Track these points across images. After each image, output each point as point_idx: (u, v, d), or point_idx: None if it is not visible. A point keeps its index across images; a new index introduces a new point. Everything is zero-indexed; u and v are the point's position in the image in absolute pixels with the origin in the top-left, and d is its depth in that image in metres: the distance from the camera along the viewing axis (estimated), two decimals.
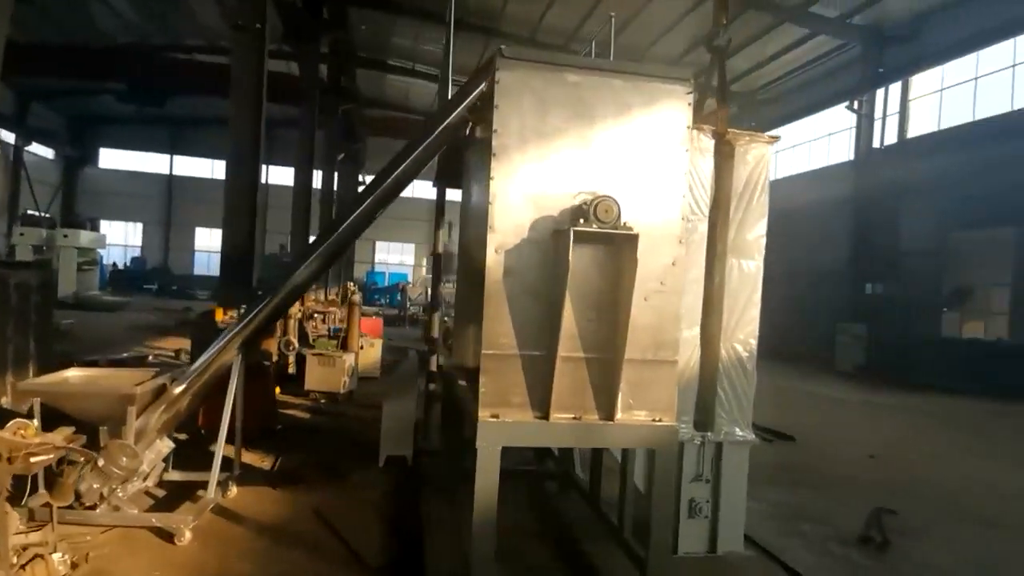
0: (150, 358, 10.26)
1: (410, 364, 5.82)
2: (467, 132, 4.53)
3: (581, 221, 3.03)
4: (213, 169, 35.58)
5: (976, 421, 10.75)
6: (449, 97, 6.20)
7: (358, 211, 4.46)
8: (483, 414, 3.14)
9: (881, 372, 14.91)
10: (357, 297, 9.81)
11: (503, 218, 3.18)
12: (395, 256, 38.77)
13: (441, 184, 6.47)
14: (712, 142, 4.05)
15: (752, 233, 4.16)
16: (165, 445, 4.38)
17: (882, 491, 5.94)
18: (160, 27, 21.85)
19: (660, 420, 3.28)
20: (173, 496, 4.57)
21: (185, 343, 12.05)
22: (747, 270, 4.16)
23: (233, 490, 4.69)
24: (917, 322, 15.98)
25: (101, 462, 3.68)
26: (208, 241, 35.46)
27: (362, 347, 9.79)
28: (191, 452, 5.16)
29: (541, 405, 3.20)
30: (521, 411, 3.20)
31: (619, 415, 3.22)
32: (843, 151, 20.01)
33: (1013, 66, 15.26)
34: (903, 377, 14.17)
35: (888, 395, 12.65)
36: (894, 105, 18.21)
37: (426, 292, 22.81)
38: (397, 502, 4.86)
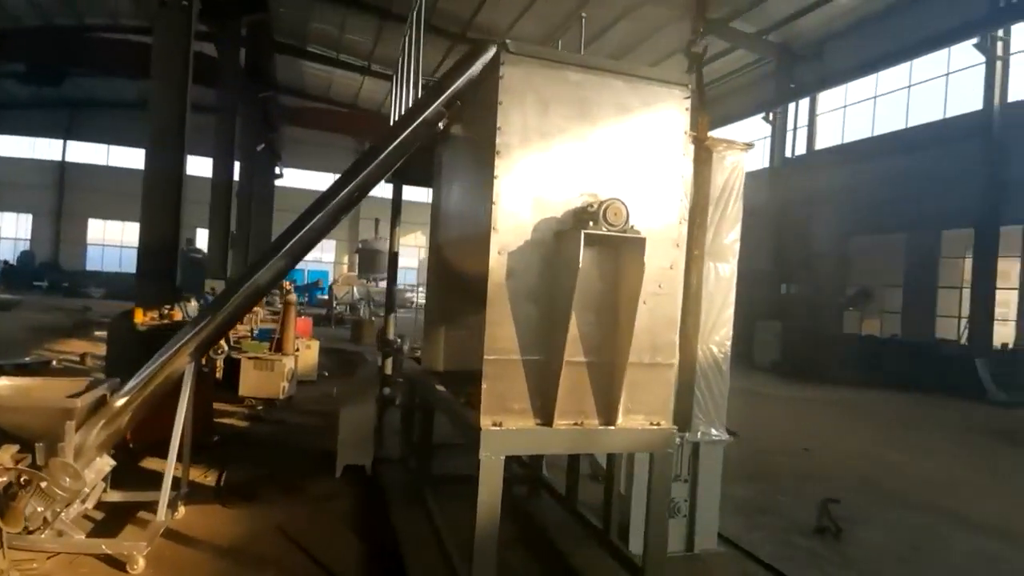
0: (54, 363, 9.30)
1: (369, 368, 5.55)
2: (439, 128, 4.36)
3: (591, 224, 2.96)
4: (109, 155, 32.88)
5: (881, 412, 11.69)
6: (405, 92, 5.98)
7: (325, 209, 4.19)
8: (485, 422, 3.01)
9: (794, 367, 15.92)
10: (293, 296, 9.31)
11: (506, 219, 3.06)
12: (312, 252, 37.30)
13: (398, 181, 6.24)
14: (692, 147, 4.12)
15: (728, 237, 4.27)
16: (105, 463, 3.94)
17: (822, 481, 6.31)
18: (67, 6, 20.04)
19: (658, 423, 3.29)
20: (113, 518, 4.12)
21: (89, 346, 11.06)
22: (723, 274, 4.26)
23: (181, 510, 4.29)
24: (824, 320, 17.21)
25: (44, 483, 3.25)
26: (101, 234, 32.73)
27: (297, 349, 9.30)
28: (120, 468, 4.66)
29: (543, 411, 3.11)
30: (523, 418, 3.10)
31: (620, 419, 3.19)
32: (760, 159, 21.21)
33: (908, 87, 16.73)
34: (813, 371, 15.18)
35: (802, 389, 13.53)
36: (804, 118, 19.51)
37: (352, 291, 22.13)
38: (364, 515, 4.62)
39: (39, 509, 3.30)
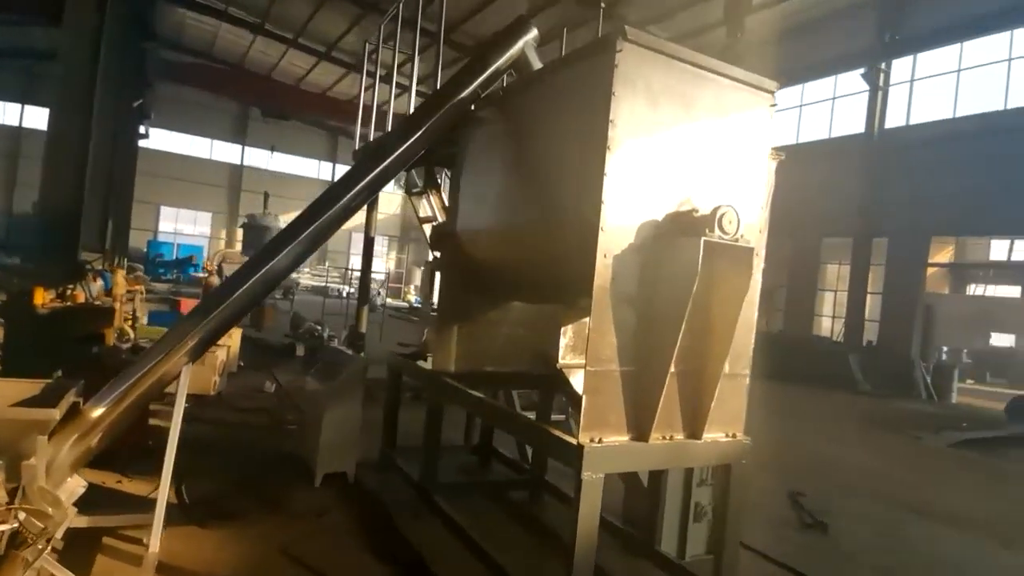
0: None
1: (356, 365, 5.05)
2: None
3: (706, 231, 2.82)
4: None
5: (775, 402, 12.71)
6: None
7: (353, 191, 3.71)
8: (584, 438, 2.79)
9: None
10: (215, 279, 8.32)
11: (613, 220, 2.84)
12: (185, 225, 34.00)
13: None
14: None
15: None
16: (77, 484, 3.21)
17: (776, 472, 6.71)
18: None
19: (734, 435, 3.25)
20: (75, 548, 3.38)
21: None
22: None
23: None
24: None
25: (22, 515, 2.57)
26: None
27: None
28: None
29: (637, 425, 2.95)
30: (617, 432, 2.91)
31: (705, 432, 3.10)
32: None
33: (800, 106, 18.28)
34: None
35: None
36: None
37: None
38: (370, 530, 4.18)
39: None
